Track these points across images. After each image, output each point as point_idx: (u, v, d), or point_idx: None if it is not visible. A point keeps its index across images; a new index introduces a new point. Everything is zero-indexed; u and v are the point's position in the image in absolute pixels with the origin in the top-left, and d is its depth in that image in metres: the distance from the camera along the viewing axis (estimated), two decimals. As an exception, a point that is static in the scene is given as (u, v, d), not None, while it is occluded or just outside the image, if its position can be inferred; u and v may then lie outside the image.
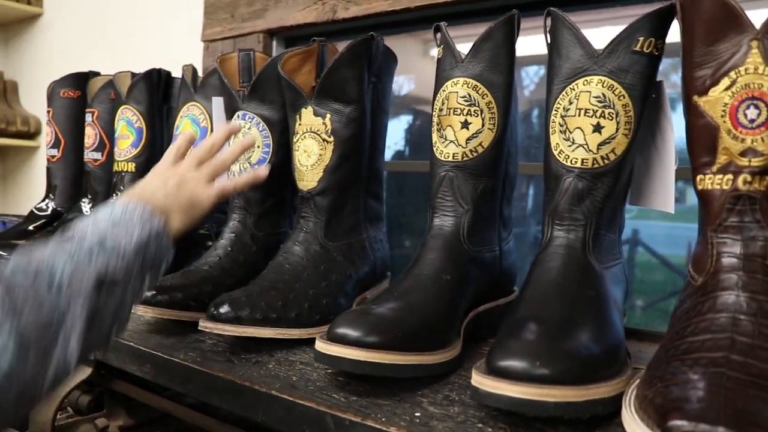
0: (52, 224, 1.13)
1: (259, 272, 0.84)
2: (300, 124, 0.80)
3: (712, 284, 0.52)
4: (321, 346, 0.59)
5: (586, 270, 0.61)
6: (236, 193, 0.81)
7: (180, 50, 1.44)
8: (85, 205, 1.12)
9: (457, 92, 0.70)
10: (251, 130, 0.85)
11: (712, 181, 0.54)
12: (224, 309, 0.69)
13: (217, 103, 0.92)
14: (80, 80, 1.20)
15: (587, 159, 0.62)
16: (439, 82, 0.72)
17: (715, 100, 0.53)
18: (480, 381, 0.51)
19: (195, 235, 0.97)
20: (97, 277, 0.54)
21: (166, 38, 1.52)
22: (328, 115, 0.78)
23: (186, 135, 0.75)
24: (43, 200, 1.19)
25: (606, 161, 0.62)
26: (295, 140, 0.80)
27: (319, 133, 0.78)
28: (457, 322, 0.66)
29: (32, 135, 1.87)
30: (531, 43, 1.28)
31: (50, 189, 1.19)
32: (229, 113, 0.88)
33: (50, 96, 1.20)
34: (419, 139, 1.91)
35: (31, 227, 1.15)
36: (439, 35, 0.74)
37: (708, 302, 0.52)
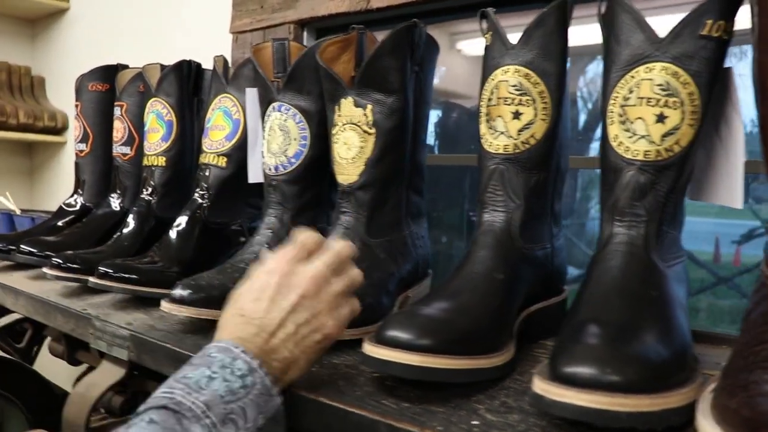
0: (81, 220, 1.12)
1: (297, 270, 0.82)
2: (339, 115, 0.76)
3: (794, 285, 0.48)
4: (370, 349, 0.56)
5: (650, 269, 0.58)
6: None
7: (208, 42, 1.41)
8: (114, 201, 1.10)
9: (507, 81, 0.66)
10: (287, 122, 0.82)
11: (792, 175, 0.50)
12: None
13: (251, 94, 0.89)
14: (109, 73, 1.18)
15: (650, 151, 0.58)
16: (488, 70, 0.69)
17: (797, 87, 0.49)
18: (545, 388, 0.48)
19: (227, 231, 0.95)
20: None
21: (193, 30, 1.50)
22: (369, 106, 0.74)
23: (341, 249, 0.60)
24: (72, 195, 1.18)
25: (670, 153, 0.58)
26: (333, 132, 0.77)
27: (359, 124, 0.75)
28: (510, 323, 0.63)
29: (59, 130, 1.86)
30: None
31: (79, 184, 1.18)
32: (264, 105, 0.85)
33: (78, 89, 1.18)
34: (447, 132, 1.87)
35: (60, 223, 1.13)
36: (485, 22, 0.71)
37: (790, 304, 0.48)
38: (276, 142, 0.83)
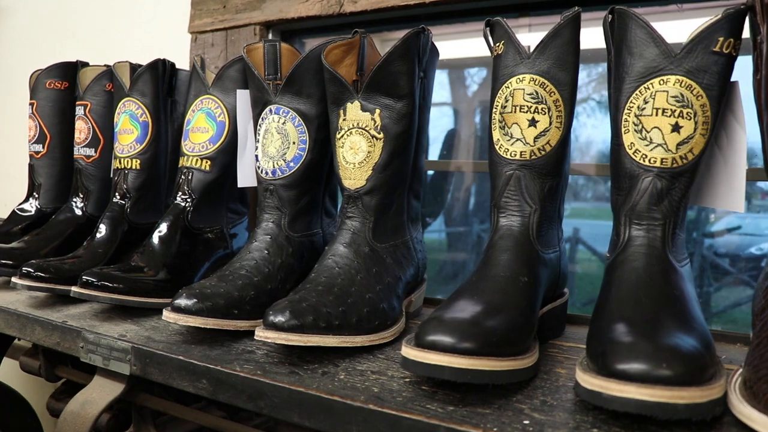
0: (38, 225, 1.04)
1: (296, 275, 0.81)
2: (345, 120, 0.76)
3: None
4: (416, 354, 0.56)
5: (669, 269, 0.61)
6: None
7: (162, 42, 1.36)
8: (76, 205, 1.03)
9: (523, 89, 0.68)
10: (286, 126, 0.81)
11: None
12: (285, 317, 0.64)
13: (242, 96, 0.87)
14: (68, 70, 1.10)
15: (666, 158, 0.62)
16: (501, 78, 0.70)
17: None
18: (602, 385, 0.50)
19: (208, 237, 0.92)
20: None
21: (145, 29, 1.43)
22: (378, 111, 0.74)
23: None
24: (26, 200, 1.09)
25: (684, 161, 0.62)
26: (338, 136, 0.77)
27: (367, 129, 0.75)
28: (534, 324, 0.64)
29: (-13, 130, 1.72)
30: (474, 45, 1.29)
31: (33, 188, 1.09)
32: (258, 107, 0.83)
33: (34, 87, 1.10)
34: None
35: (14, 229, 1.05)
36: (494, 31, 0.73)
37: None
38: (274, 145, 0.81)
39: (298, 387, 0.58)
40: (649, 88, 0.63)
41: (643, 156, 0.63)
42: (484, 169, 1.39)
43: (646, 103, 0.63)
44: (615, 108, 0.66)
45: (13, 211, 1.09)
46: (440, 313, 0.60)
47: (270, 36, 1.23)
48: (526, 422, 0.52)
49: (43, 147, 1.09)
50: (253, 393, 0.61)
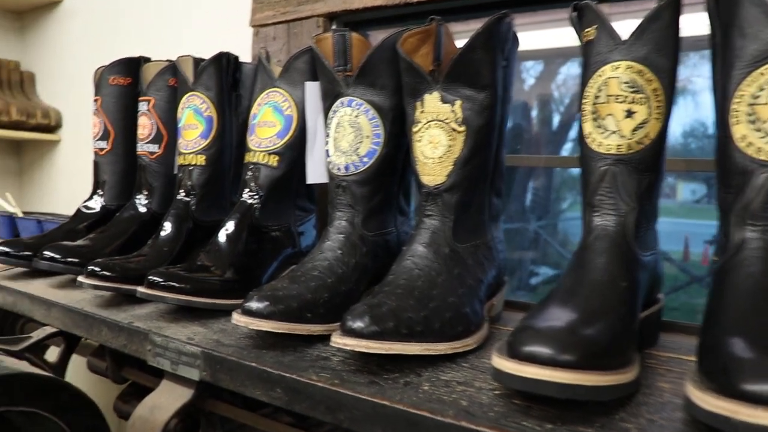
0: (103, 222, 1.03)
1: (370, 276, 0.77)
2: (422, 112, 0.72)
3: None
4: (510, 366, 0.51)
5: (789, 275, 0.55)
6: None
7: (222, 36, 1.34)
8: (141, 202, 1.02)
9: (618, 77, 0.63)
10: (359, 119, 0.77)
11: None
12: (364, 322, 0.60)
13: (312, 88, 0.83)
14: (131, 66, 1.09)
15: (786, 151, 0.55)
16: (593, 66, 0.65)
17: None
18: (730, 408, 0.44)
19: (275, 235, 0.89)
20: None
21: (205, 23, 1.42)
22: (458, 102, 0.70)
23: None
24: (91, 197, 1.09)
25: (806, 154, 0.56)
26: (415, 130, 0.72)
27: (447, 121, 0.70)
28: (635, 333, 0.59)
29: (52, 128, 1.74)
30: (531, 37, 1.22)
31: (98, 185, 1.09)
32: (329, 99, 0.80)
33: (98, 83, 1.09)
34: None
35: (80, 226, 1.04)
36: (581, 15, 0.67)
37: None
38: (346, 140, 0.77)
39: (381, 400, 0.54)
40: (765, 74, 0.56)
41: (758, 149, 0.56)
42: (551, 165, 1.33)
43: (761, 90, 0.56)
44: (722, 96, 0.60)
45: (79, 208, 1.08)
46: (533, 321, 0.55)
47: (333, 28, 1.20)
48: (636, 444, 0.47)
49: (107, 144, 1.08)
50: (332, 404, 0.57)
